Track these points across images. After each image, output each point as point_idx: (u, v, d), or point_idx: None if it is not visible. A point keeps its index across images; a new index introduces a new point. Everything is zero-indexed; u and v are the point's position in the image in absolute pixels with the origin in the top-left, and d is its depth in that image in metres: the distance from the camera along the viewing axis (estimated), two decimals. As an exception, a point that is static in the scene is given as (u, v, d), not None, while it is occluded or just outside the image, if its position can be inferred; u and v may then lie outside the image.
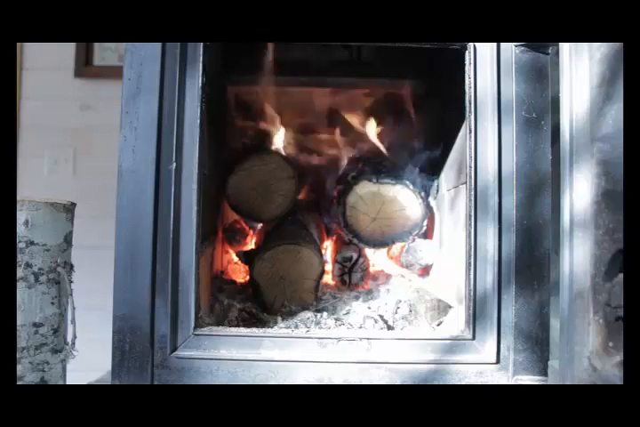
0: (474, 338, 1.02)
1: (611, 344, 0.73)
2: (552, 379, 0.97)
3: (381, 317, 1.23)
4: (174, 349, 1.01)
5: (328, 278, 1.51)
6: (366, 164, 1.57)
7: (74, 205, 1.04)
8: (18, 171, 1.74)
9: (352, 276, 1.50)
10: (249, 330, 1.05)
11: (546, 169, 1.03)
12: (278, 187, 1.48)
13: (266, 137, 1.65)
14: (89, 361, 1.14)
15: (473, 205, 1.04)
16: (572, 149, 0.84)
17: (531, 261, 1.02)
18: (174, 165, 1.02)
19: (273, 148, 1.64)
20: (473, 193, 1.04)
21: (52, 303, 0.97)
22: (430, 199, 1.50)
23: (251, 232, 1.62)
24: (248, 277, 1.42)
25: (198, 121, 1.03)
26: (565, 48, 0.88)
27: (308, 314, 1.22)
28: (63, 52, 1.94)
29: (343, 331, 1.11)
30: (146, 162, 1.01)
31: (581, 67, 0.83)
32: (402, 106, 1.66)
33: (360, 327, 1.18)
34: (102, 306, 1.17)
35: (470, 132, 1.04)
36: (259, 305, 1.33)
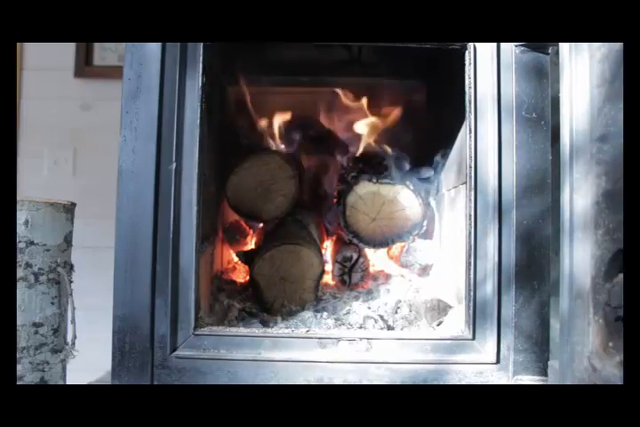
0: (474, 338, 1.02)
1: (611, 344, 0.73)
2: (552, 379, 0.97)
3: (381, 317, 1.23)
4: (174, 349, 1.01)
5: (328, 278, 1.51)
6: (366, 164, 1.57)
7: (74, 205, 1.04)
8: (18, 171, 1.74)
9: (352, 276, 1.50)
10: (249, 330, 1.05)
11: (546, 169, 1.03)
12: (278, 187, 1.48)
13: (266, 137, 1.65)
14: (89, 361, 1.14)
15: (473, 205, 1.04)
16: (572, 149, 0.84)
17: (531, 261, 1.02)
18: (174, 165, 1.02)
19: (273, 148, 1.64)
20: (473, 193, 1.04)
21: (52, 303, 0.97)
22: (430, 199, 1.50)
23: (251, 232, 1.62)
24: (248, 277, 1.42)
25: (198, 121, 1.03)
26: (565, 48, 0.88)
27: (308, 314, 1.22)
28: (63, 52, 1.94)
29: (343, 331, 1.11)
30: (146, 162, 1.01)
31: (581, 67, 0.83)
32: (402, 106, 1.66)
33: (360, 327, 1.18)
34: (102, 306, 1.17)
35: (470, 132, 1.04)
36: (259, 305, 1.33)
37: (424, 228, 1.47)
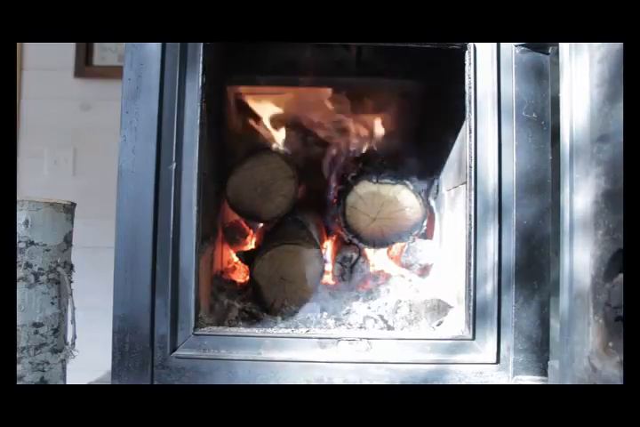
0: (474, 338, 1.02)
1: (611, 344, 0.73)
2: (552, 379, 0.97)
3: (381, 317, 1.23)
4: (174, 349, 1.01)
5: (328, 278, 1.51)
6: (366, 164, 1.57)
7: (74, 205, 1.04)
8: (18, 171, 1.74)
9: (352, 276, 1.49)
10: (249, 330, 1.05)
11: (546, 169, 1.03)
12: (278, 187, 1.48)
13: (265, 137, 1.65)
14: (89, 361, 1.14)
15: (473, 205, 1.04)
16: (572, 149, 0.84)
17: (531, 260, 1.02)
18: (174, 165, 1.02)
19: (273, 148, 1.64)
20: (473, 193, 1.04)
21: (52, 303, 0.97)
22: (430, 199, 1.50)
23: (251, 232, 1.62)
24: (248, 277, 1.42)
25: (198, 121, 1.03)
26: (565, 48, 0.88)
27: (308, 314, 1.22)
28: (63, 52, 1.93)
29: (343, 331, 1.11)
30: (146, 162, 1.01)
31: (581, 67, 0.83)
32: (402, 106, 1.66)
33: (360, 327, 1.18)
34: (102, 306, 1.17)
35: (470, 132, 1.04)
36: (259, 305, 1.33)
37: (424, 228, 1.47)
